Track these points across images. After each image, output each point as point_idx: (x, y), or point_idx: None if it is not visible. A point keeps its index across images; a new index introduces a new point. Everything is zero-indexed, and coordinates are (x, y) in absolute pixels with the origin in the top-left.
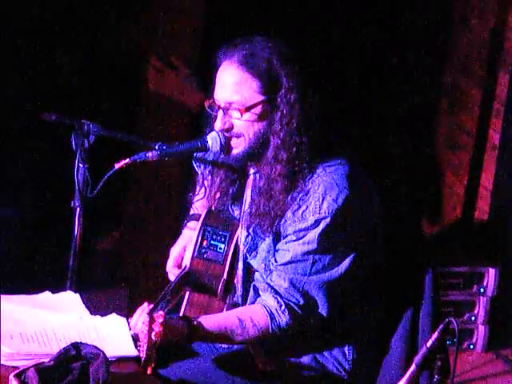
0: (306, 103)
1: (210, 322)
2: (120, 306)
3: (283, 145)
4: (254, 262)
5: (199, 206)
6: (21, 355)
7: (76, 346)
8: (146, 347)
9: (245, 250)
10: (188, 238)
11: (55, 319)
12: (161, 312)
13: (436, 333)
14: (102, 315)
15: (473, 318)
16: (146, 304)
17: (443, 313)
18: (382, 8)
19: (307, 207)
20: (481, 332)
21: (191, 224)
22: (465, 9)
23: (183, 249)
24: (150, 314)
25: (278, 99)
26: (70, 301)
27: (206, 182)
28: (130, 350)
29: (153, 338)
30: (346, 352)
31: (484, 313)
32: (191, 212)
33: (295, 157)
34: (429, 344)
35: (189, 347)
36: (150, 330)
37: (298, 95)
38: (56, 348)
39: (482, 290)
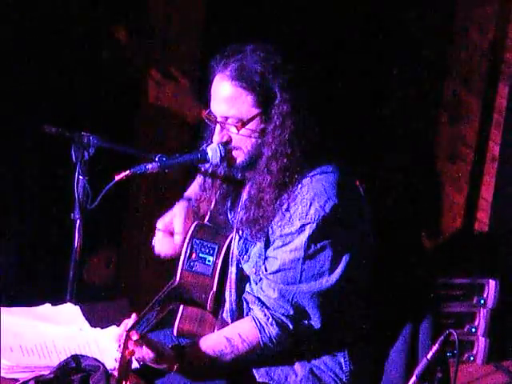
0: (298, 115)
1: (197, 345)
2: (120, 318)
3: (274, 156)
4: (246, 267)
5: (194, 190)
6: (21, 368)
7: (76, 358)
8: (119, 363)
9: (237, 254)
10: (177, 210)
11: (55, 331)
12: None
13: (436, 344)
14: (102, 327)
15: (473, 330)
16: (133, 316)
17: (443, 324)
18: (381, 19)
19: (295, 211)
20: (481, 344)
21: (182, 203)
22: (465, 20)
23: (170, 221)
24: (128, 331)
25: (272, 111)
26: (69, 313)
27: (206, 185)
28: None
29: (126, 355)
30: (343, 364)
31: (484, 324)
32: (185, 195)
33: (286, 168)
34: (429, 356)
35: None
36: (125, 347)
37: (290, 107)
38: (56, 360)
39: (482, 301)
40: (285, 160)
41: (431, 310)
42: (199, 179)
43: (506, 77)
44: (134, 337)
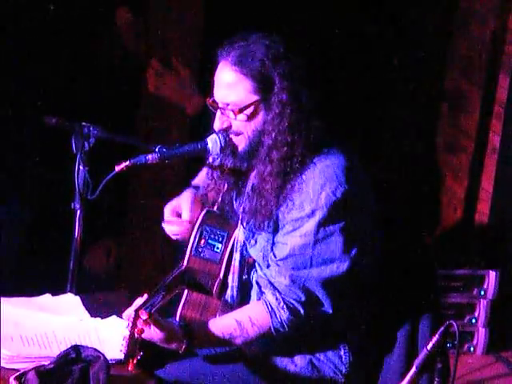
0: (298, 103)
1: (206, 326)
2: (120, 309)
3: (274, 145)
4: (253, 251)
5: (202, 179)
6: (21, 358)
7: (76, 348)
8: (127, 342)
9: (243, 239)
10: (185, 196)
11: (55, 322)
12: (150, 311)
13: (436, 335)
14: (102, 317)
15: (473, 321)
16: (144, 295)
17: (443, 315)
18: (383, 10)
19: (305, 196)
20: (481, 335)
21: (189, 190)
22: (465, 12)
23: (179, 204)
24: (137, 310)
25: (272, 99)
26: (70, 303)
27: (214, 174)
28: None
29: (135, 334)
30: (343, 355)
31: (484, 315)
32: (193, 183)
33: (287, 156)
34: (429, 346)
35: None
36: (134, 326)
37: (290, 95)
38: (56, 350)
39: (482, 292)
40: (285, 148)
41: (431, 300)
42: (206, 168)
43: (506, 68)
44: (144, 316)
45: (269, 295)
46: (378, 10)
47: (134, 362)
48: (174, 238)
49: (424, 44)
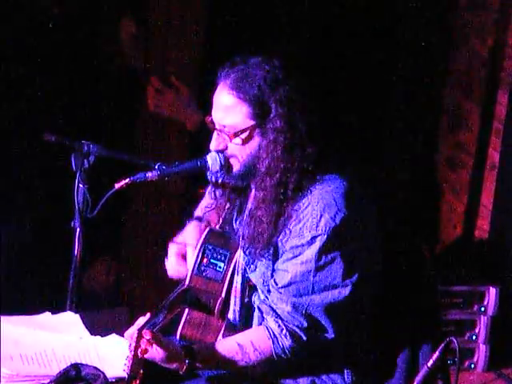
0: (293, 130)
1: (208, 348)
2: (120, 327)
3: (268, 171)
4: (253, 276)
5: (204, 209)
6: (21, 376)
7: (76, 366)
8: (131, 363)
9: (244, 264)
10: (189, 233)
11: (55, 340)
12: (154, 331)
13: (437, 352)
14: (102, 335)
15: (474, 338)
16: (147, 315)
17: (444, 332)
18: (382, 27)
19: (304, 223)
20: (482, 351)
21: (193, 225)
22: (464, 28)
23: (183, 243)
24: (139, 329)
25: (267, 125)
26: (69, 321)
27: (217, 192)
28: None
29: (138, 354)
30: (345, 375)
31: (485, 332)
32: (196, 214)
33: (281, 183)
34: (430, 363)
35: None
36: (137, 346)
37: (285, 123)
38: (56, 369)
39: (482, 309)
40: (278, 175)
41: (432, 317)
42: (207, 198)
43: (505, 84)
44: (147, 336)
45: (271, 322)
46: (378, 28)
47: (137, 382)
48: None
49: (423, 60)
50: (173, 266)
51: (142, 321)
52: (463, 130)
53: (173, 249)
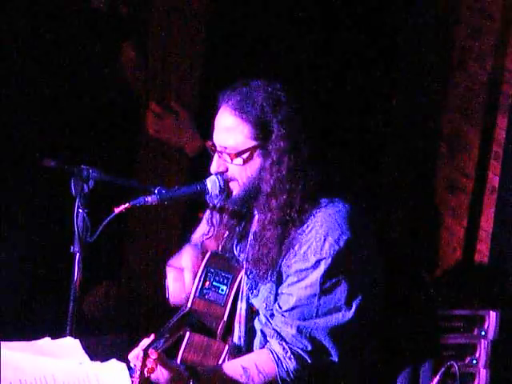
0: (296, 151)
1: (212, 370)
2: (120, 352)
3: (273, 193)
4: (256, 301)
5: (200, 236)
6: None
7: None
8: (137, 382)
9: (246, 289)
10: (187, 253)
11: (55, 365)
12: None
13: (437, 376)
14: (102, 361)
15: (474, 362)
16: (151, 336)
17: (444, 356)
18: (381, 52)
19: (308, 247)
20: (482, 375)
21: (189, 250)
22: (463, 52)
23: (180, 268)
24: (145, 349)
25: (270, 146)
26: (69, 347)
27: (214, 220)
28: None
29: (145, 373)
30: None
31: (485, 356)
32: (193, 238)
33: (286, 204)
34: None
35: None
36: (143, 365)
37: (288, 143)
38: None
39: (483, 333)
40: (284, 196)
41: (432, 341)
42: (205, 223)
43: (504, 108)
44: (153, 355)
45: (275, 345)
46: (378, 52)
47: None
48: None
49: (422, 84)
50: (172, 293)
51: (146, 342)
52: (463, 153)
53: (171, 275)
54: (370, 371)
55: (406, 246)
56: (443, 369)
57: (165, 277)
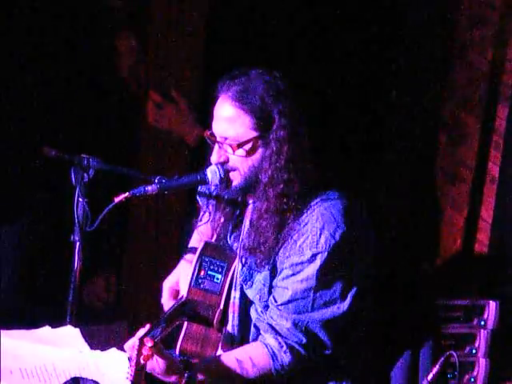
0: (295, 141)
1: (206, 363)
2: (120, 341)
3: (271, 182)
4: (249, 292)
5: (199, 236)
6: None
7: (76, 380)
8: (133, 370)
9: (240, 280)
10: (183, 270)
11: (55, 354)
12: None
13: (437, 366)
14: (101, 349)
15: (473, 351)
16: (147, 326)
17: (443, 346)
18: (381, 43)
19: (304, 240)
20: (482, 365)
21: (188, 256)
22: (464, 42)
23: (177, 281)
24: (141, 338)
25: (270, 136)
26: (69, 335)
27: (210, 206)
28: None
29: (141, 360)
30: None
31: (485, 346)
32: (190, 245)
33: (283, 194)
34: (429, 377)
35: None
36: (139, 353)
37: (288, 133)
38: (56, 383)
39: (482, 322)
40: (281, 186)
41: (431, 331)
42: (200, 228)
43: (505, 98)
44: (149, 343)
45: (270, 339)
46: (378, 44)
47: None
48: None
49: (422, 75)
50: (167, 303)
51: (141, 332)
52: (463, 143)
53: (166, 288)
54: (368, 361)
55: (406, 237)
56: (443, 358)
57: (160, 290)
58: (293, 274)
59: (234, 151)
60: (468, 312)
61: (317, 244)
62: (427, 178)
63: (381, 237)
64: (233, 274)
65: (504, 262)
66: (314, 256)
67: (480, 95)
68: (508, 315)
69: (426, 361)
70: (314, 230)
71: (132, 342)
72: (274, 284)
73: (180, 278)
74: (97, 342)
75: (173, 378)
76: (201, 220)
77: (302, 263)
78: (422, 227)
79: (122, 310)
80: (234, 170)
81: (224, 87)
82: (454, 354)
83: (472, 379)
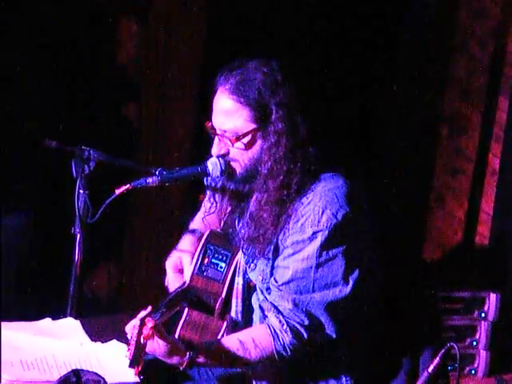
0: (294, 132)
1: (209, 344)
2: (121, 333)
3: (270, 173)
4: (252, 275)
5: (200, 222)
6: (21, 382)
7: (76, 372)
8: (133, 348)
9: (243, 263)
10: (184, 250)
11: (56, 346)
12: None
13: (437, 358)
14: (102, 341)
15: (474, 343)
16: (148, 308)
17: (444, 338)
18: (382, 34)
19: (306, 219)
20: (482, 357)
21: (188, 237)
22: (464, 35)
23: (179, 259)
24: (142, 319)
25: (268, 128)
26: (70, 327)
27: (216, 196)
28: (130, 376)
29: (141, 340)
30: (344, 382)
31: (485, 338)
32: (191, 227)
33: (283, 185)
34: (430, 369)
35: (186, 373)
36: (140, 333)
37: (286, 125)
38: (57, 375)
39: (483, 314)
40: (281, 177)
41: (432, 323)
42: (205, 203)
43: (506, 91)
44: (150, 323)
45: (272, 318)
46: (378, 34)
47: (139, 368)
48: None
49: (423, 67)
50: (171, 283)
51: (143, 313)
52: (464, 136)
53: (169, 266)
54: (368, 353)
55: (406, 229)
56: (443, 350)
57: (164, 268)
58: (294, 253)
59: (233, 144)
60: (468, 304)
61: (318, 222)
62: (428, 170)
63: (380, 229)
64: (237, 261)
65: (504, 254)
66: (314, 234)
67: (480, 87)
68: (508, 307)
69: (427, 353)
70: (317, 209)
71: (133, 323)
72: (275, 264)
73: (183, 257)
74: (97, 333)
75: (174, 360)
76: (208, 211)
77: (302, 241)
78: (422, 219)
79: (122, 301)
80: (234, 161)
81: (222, 79)
82: (455, 346)
83: (473, 371)
